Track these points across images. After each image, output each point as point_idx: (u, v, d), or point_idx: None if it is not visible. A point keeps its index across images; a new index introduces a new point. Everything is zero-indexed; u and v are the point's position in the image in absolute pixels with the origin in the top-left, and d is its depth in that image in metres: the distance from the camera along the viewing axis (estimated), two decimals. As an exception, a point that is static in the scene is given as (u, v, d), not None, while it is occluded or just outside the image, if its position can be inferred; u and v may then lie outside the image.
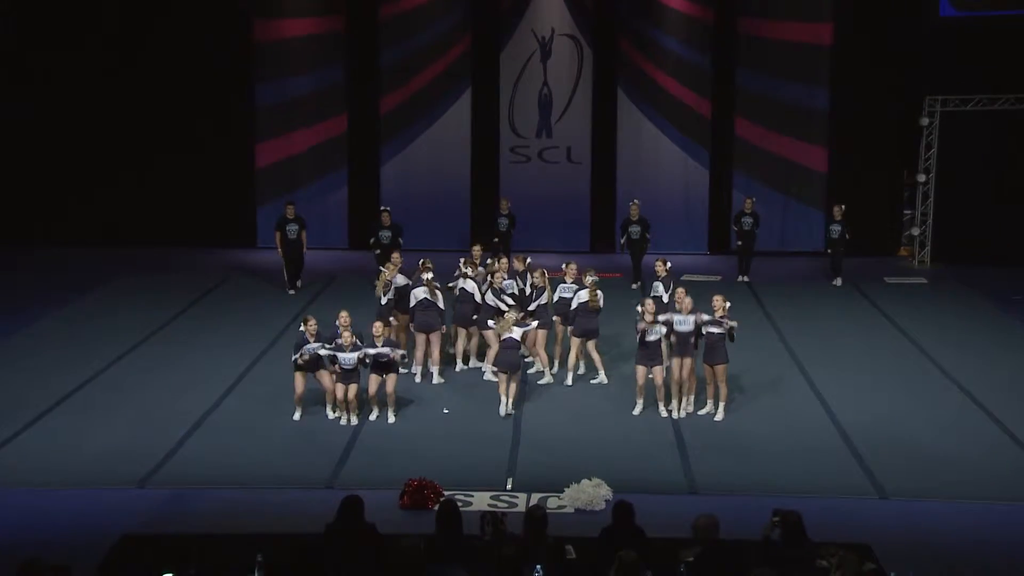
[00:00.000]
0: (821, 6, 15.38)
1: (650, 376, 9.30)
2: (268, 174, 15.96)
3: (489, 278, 10.23)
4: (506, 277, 10.34)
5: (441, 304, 9.99)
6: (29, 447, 8.68)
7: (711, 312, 9.12)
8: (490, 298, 10.11)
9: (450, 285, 10.33)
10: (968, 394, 9.95)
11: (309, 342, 9.01)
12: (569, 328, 10.11)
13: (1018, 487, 8.02)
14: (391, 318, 10.15)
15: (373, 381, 9.12)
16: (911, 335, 11.78)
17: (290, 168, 15.93)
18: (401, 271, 10.42)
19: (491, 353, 10.16)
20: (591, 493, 7.65)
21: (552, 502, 7.63)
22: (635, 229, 13.62)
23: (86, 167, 15.79)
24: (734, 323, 9.05)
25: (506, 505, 7.59)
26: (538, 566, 5.32)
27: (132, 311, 12.45)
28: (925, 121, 15.02)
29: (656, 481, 8.04)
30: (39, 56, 15.59)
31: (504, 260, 10.68)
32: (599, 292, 9.86)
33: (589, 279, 9.97)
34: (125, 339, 11.32)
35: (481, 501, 7.62)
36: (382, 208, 13.50)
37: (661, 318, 9.28)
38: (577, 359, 10.10)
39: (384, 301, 10.19)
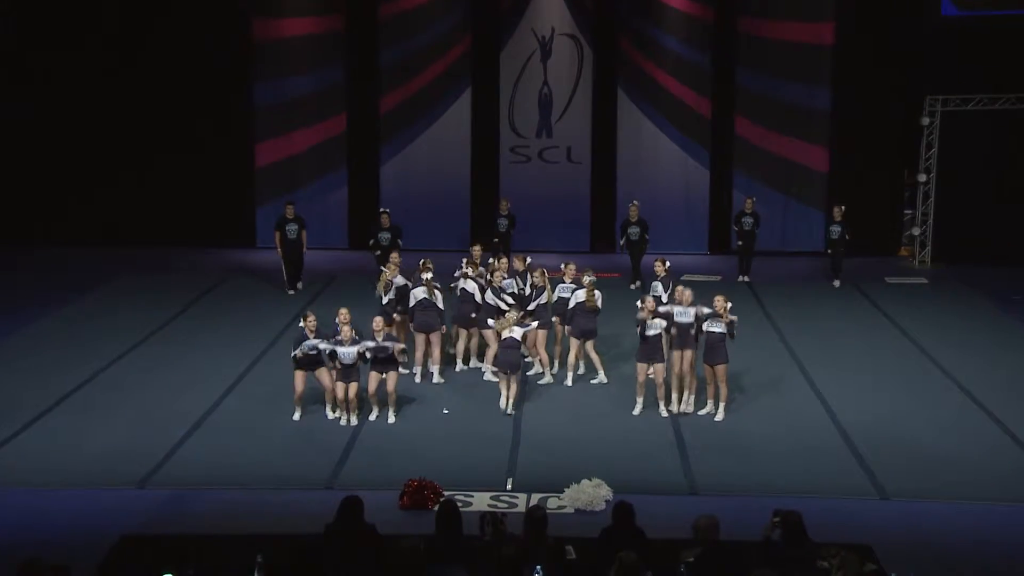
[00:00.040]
0: (822, 6, 15.36)
1: (650, 375, 9.29)
2: (268, 174, 15.95)
3: (489, 277, 10.23)
4: (506, 276, 10.33)
5: (441, 304, 9.98)
6: (29, 447, 8.68)
7: (711, 306, 9.10)
8: (490, 297, 10.10)
9: (452, 286, 10.32)
10: (969, 394, 9.94)
11: (308, 338, 8.99)
12: (567, 328, 10.10)
13: (1019, 488, 8.01)
14: (393, 316, 10.15)
15: (373, 379, 9.12)
16: (912, 335, 11.77)
17: (290, 168, 15.93)
18: (401, 271, 10.41)
19: (490, 353, 10.16)
20: (591, 493, 7.64)
21: (552, 502, 7.62)
22: (634, 230, 13.61)
23: (86, 167, 15.79)
24: (734, 317, 9.05)
25: (506, 505, 7.58)
26: (538, 567, 5.31)
27: (132, 311, 12.44)
28: (926, 121, 15.01)
29: (656, 481, 8.03)
30: (39, 56, 15.59)
31: (504, 260, 10.67)
32: (596, 292, 9.85)
33: (586, 279, 9.97)
34: (125, 339, 11.32)
35: (481, 501, 7.61)
36: (381, 210, 13.50)
37: (661, 310, 9.33)
38: (577, 359, 10.09)
39: (385, 301, 10.18)
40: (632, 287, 13.27)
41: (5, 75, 15.55)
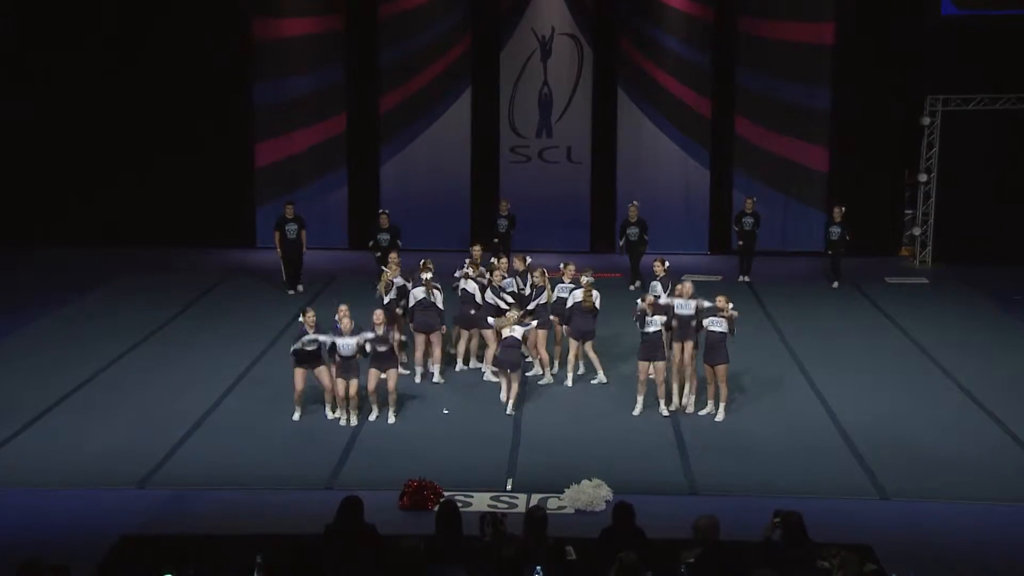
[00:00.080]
0: (822, 5, 15.34)
1: (651, 375, 9.28)
2: (267, 174, 15.94)
3: (488, 276, 10.23)
4: (505, 275, 10.33)
5: (441, 304, 9.97)
6: (28, 447, 8.67)
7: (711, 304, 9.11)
8: (490, 297, 10.10)
9: (454, 286, 10.32)
10: (969, 394, 9.94)
11: (308, 333, 8.98)
12: (565, 328, 10.09)
13: (1019, 488, 8.00)
14: (395, 313, 10.15)
15: (372, 377, 9.12)
16: (912, 335, 11.77)
17: (290, 168, 15.92)
18: (401, 271, 10.41)
19: (489, 353, 10.16)
20: (591, 494, 7.64)
21: (552, 503, 7.61)
22: (633, 231, 13.59)
23: (86, 167, 15.79)
24: (735, 312, 9.05)
25: (506, 506, 7.57)
26: (538, 567, 5.31)
27: (132, 311, 12.44)
28: (926, 121, 15.00)
29: (656, 482, 8.03)
30: (39, 56, 15.58)
31: (504, 260, 10.67)
32: (594, 292, 9.85)
33: (584, 279, 9.96)
34: (125, 339, 11.31)
35: (481, 502, 7.61)
36: (380, 211, 13.49)
37: (662, 302, 9.37)
38: (576, 359, 10.09)
39: (386, 301, 10.18)
40: (631, 288, 13.25)
41: (5, 75, 15.55)
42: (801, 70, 15.37)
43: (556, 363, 10.34)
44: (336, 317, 9.11)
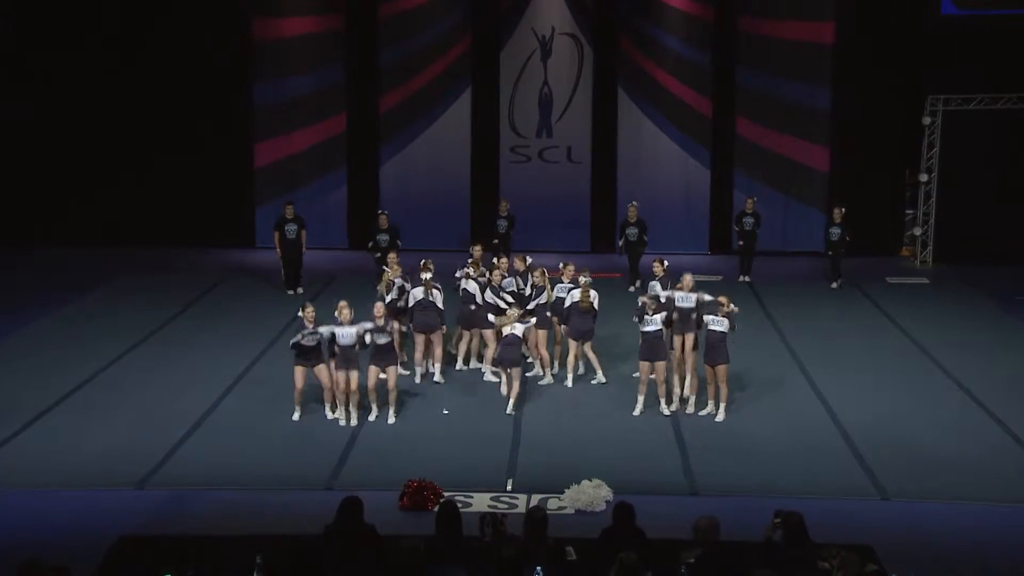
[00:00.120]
0: (822, 5, 15.33)
1: (652, 375, 9.28)
2: (267, 174, 15.93)
3: (488, 275, 10.22)
4: (505, 275, 10.32)
5: (440, 304, 9.96)
6: (28, 447, 8.67)
7: (714, 310, 9.11)
8: (489, 296, 10.10)
9: (455, 286, 10.31)
10: (970, 394, 9.93)
11: (307, 328, 8.96)
12: (564, 328, 10.09)
13: (1020, 488, 7.99)
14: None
15: (372, 374, 9.11)
16: (913, 335, 11.76)
17: (289, 168, 15.91)
18: (402, 272, 10.41)
19: (489, 353, 10.16)
20: (591, 494, 7.63)
21: (552, 503, 7.61)
22: (633, 231, 13.56)
23: (86, 167, 15.78)
24: (735, 307, 9.05)
25: (506, 506, 7.56)
26: (538, 567, 5.30)
27: (132, 311, 12.44)
28: (927, 120, 14.98)
29: (657, 482, 8.02)
30: (39, 56, 15.58)
31: (504, 259, 10.66)
32: (592, 292, 9.84)
33: (582, 279, 9.96)
34: (125, 339, 11.31)
35: (481, 502, 7.60)
36: (379, 211, 13.48)
37: (663, 294, 9.43)
38: (576, 360, 10.08)
39: (387, 301, 10.16)
40: (631, 289, 13.22)
41: (5, 75, 15.54)
42: (801, 70, 15.36)
43: (556, 363, 10.32)
44: (336, 314, 9.11)
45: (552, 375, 10.18)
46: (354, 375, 9.03)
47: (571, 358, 10.04)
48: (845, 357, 10.98)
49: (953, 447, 8.71)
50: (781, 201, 15.70)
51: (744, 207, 14.34)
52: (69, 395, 9.77)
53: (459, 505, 6.21)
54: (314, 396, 9.29)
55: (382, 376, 9.22)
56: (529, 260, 10.66)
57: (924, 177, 15.18)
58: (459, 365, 10.45)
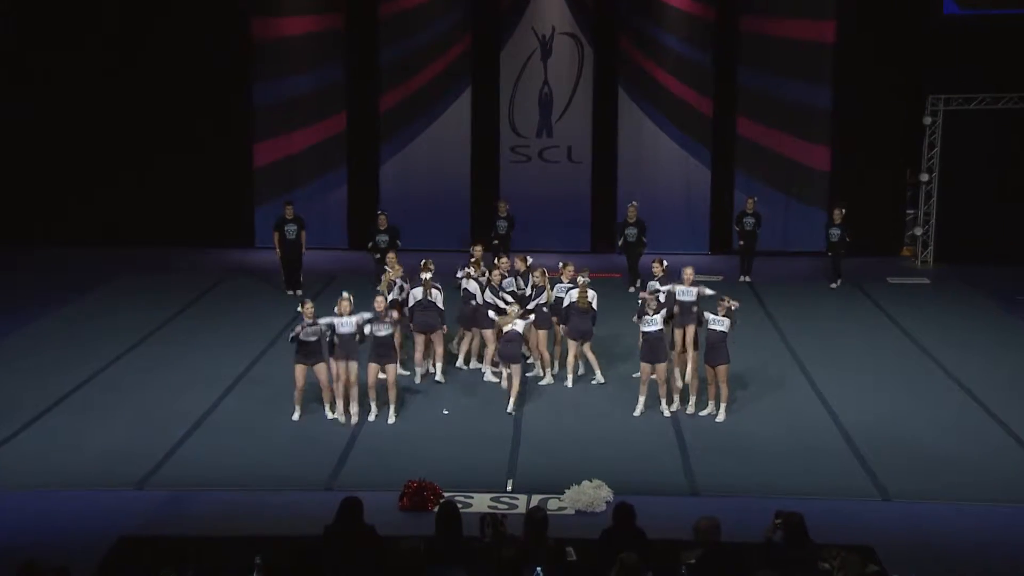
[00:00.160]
0: (823, 4, 15.30)
1: (653, 376, 9.27)
2: (267, 173, 15.91)
3: (488, 275, 10.22)
4: (506, 275, 10.32)
5: (441, 304, 9.95)
6: (28, 448, 8.66)
7: (713, 304, 9.09)
8: (489, 296, 10.09)
9: (456, 286, 10.30)
10: (971, 394, 9.91)
11: (307, 324, 8.94)
12: (564, 328, 10.08)
13: (1021, 489, 7.98)
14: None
15: (372, 371, 9.11)
16: (913, 335, 11.74)
17: (289, 167, 15.89)
18: (403, 272, 10.41)
19: (489, 353, 10.15)
20: (592, 495, 7.62)
21: (553, 504, 7.59)
22: (632, 231, 13.52)
23: (86, 167, 15.77)
24: (735, 303, 9.05)
25: (506, 507, 7.55)
26: (538, 568, 5.29)
27: (132, 311, 12.43)
28: (928, 120, 14.96)
29: (657, 482, 8.01)
30: (39, 56, 15.57)
31: (504, 259, 10.65)
32: (590, 292, 9.83)
33: (580, 279, 9.95)
34: (124, 339, 11.30)
35: (481, 503, 7.59)
36: (379, 211, 13.46)
37: (664, 288, 9.48)
38: (576, 360, 10.07)
39: (389, 300, 10.15)
40: (631, 290, 13.18)
41: (5, 75, 15.53)
42: (802, 69, 15.34)
43: (556, 363, 10.31)
44: (336, 308, 9.12)
45: (552, 375, 10.17)
46: (353, 366, 9.04)
47: (571, 358, 10.03)
48: (846, 357, 10.97)
49: (954, 447, 8.69)
50: (782, 201, 15.67)
51: (745, 207, 14.32)
52: (69, 395, 9.76)
53: (459, 506, 6.21)
54: (314, 396, 9.28)
55: (381, 376, 9.21)
56: (530, 260, 10.65)
57: (925, 177, 15.16)
58: (459, 363, 10.44)
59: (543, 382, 10.13)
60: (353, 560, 5.78)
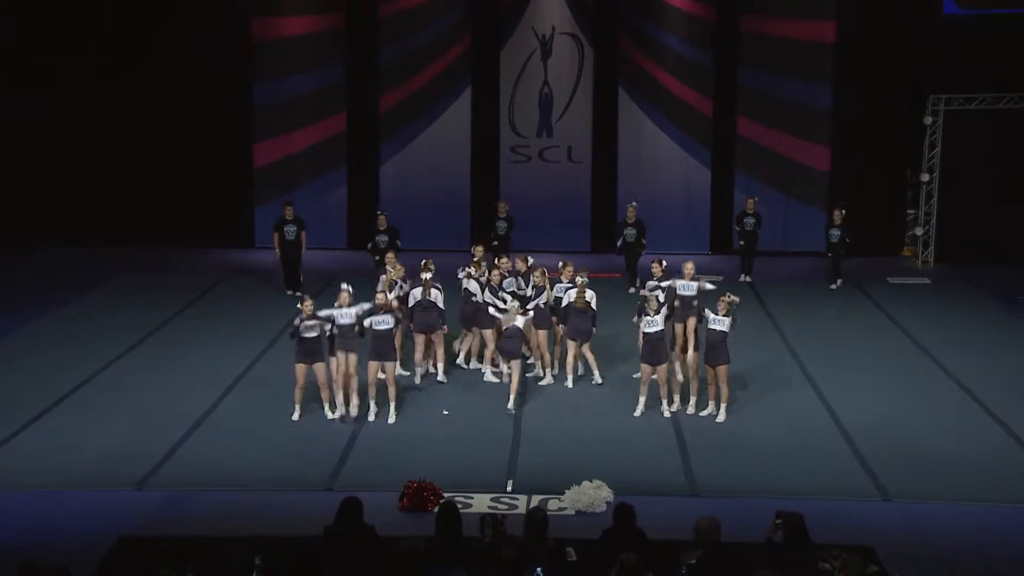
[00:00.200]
0: (824, 4, 15.29)
1: (653, 376, 9.26)
2: (266, 173, 15.90)
3: (487, 275, 10.22)
4: (506, 275, 10.31)
5: (441, 304, 9.95)
6: (28, 448, 8.65)
7: (714, 305, 9.09)
8: (488, 296, 10.08)
9: (460, 285, 10.31)
10: (971, 395, 9.90)
11: (307, 318, 8.95)
12: (563, 328, 10.08)
13: (1021, 489, 7.97)
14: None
15: (372, 369, 9.10)
16: (914, 335, 11.73)
17: (289, 167, 15.88)
18: (405, 271, 10.41)
19: (488, 353, 10.15)
20: (592, 495, 7.61)
21: (553, 504, 7.59)
22: (630, 232, 13.47)
23: (86, 167, 15.76)
24: (736, 297, 9.06)
25: (506, 507, 7.55)
26: (539, 569, 5.28)
27: (132, 311, 12.42)
28: (929, 120, 14.95)
29: (657, 483, 8.00)
30: (39, 56, 15.56)
31: (505, 259, 10.65)
32: (588, 292, 9.82)
33: (578, 279, 9.95)
34: (124, 339, 11.30)
35: (481, 503, 7.58)
36: (378, 212, 13.46)
37: (664, 284, 9.52)
38: (575, 360, 10.06)
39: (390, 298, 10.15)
40: (631, 291, 13.14)
41: (5, 75, 15.52)
42: (802, 69, 15.33)
43: (556, 364, 10.30)
44: (336, 303, 9.15)
45: (552, 376, 10.16)
46: (353, 358, 9.06)
47: (570, 359, 10.02)
48: (846, 357, 10.96)
49: (954, 448, 8.68)
50: (782, 201, 15.66)
51: (745, 207, 14.31)
52: (69, 395, 9.75)
53: (459, 506, 6.20)
54: (314, 396, 9.27)
55: (381, 376, 9.21)
56: (531, 260, 10.64)
57: (925, 177, 15.15)
58: (460, 360, 10.45)
59: (543, 382, 10.12)
60: (353, 561, 5.77)
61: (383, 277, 10.31)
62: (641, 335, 9.31)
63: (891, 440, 8.81)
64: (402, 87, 15.72)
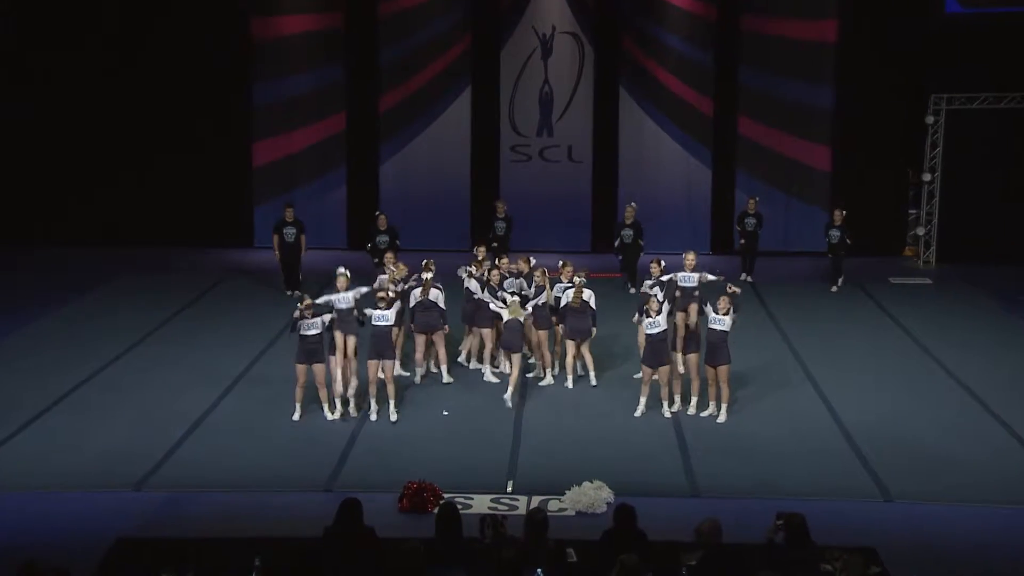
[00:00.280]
0: (825, 3, 15.26)
1: (655, 377, 9.24)
2: (266, 173, 15.89)
3: (486, 275, 10.20)
4: (506, 276, 10.30)
5: (442, 304, 9.93)
6: (27, 448, 8.64)
7: (715, 306, 9.07)
8: (487, 296, 10.06)
9: (463, 285, 10.31)
10: (973, 395, 9.88)
11: (307, 317, 8.93)
12: (562, 328, 10.06)
13: (1022, 490, 7.93)
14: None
15: (372, 368, 9.10)
16: (915, 335, 11.70)
17: (288, 167, 15.86)
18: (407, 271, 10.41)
19: (487, 353, 10.16)
20: (592, 496, 7.59)
21: (553, 505, 7.56)
22: (628, 232, 13.41)
23: (86, 167, 15.75)
24: (737, 289, 9.03)
25: (506, 508, 7.52)
26: (539, 569, 5.27)
27: (132, 311, 12.41)
28: (930, 119, 14.92)
29: (658, 483, 7.98)
30: (39, 56, 15.55)
31: (506, 260, 10.63)
32: (585, 291, 9.80)
33: (576, 279, 9.93)
34: (124, 339, 11.28)
35: (481, 504, 7.56)
36: (378, 212, 13.43)
37: (664, 278, 9.52)
38: (575, 360, 10.04)
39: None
40: (632, 291, 13.09)
41: (5, 75, 15.51)
42: (804, 68, 15.30)
43: (556, 364, 10.28)
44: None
45: (553, 376, 10.14)
46: (352, 340, 9.12)
47: (569, 359, 10.00)
48: (847, 357, 10.93)
49: (956, 448, 8.66)
50: (783, 201, 15.63)
51: (746, 207, 14.29)
52: (69, 395, 9.74)
53: (459, 507, 6.19)
54: (315, 396, 9.25)
55: (381, 375, 9.19)
56: (533, 261, 10.61)
57: (927, 177, 15.12)
58: (461, 359, 10.44)
59: (544, 383, 10.10)
60: (353, 562, 5.76)
61: (381, 277, 10.29)
62: (643, 336, 9.29)
63: (893, 440, 8.78)
64: (402, 87, 15.70)
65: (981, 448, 8.68)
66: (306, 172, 15.88)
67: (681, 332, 9.41)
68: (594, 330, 9.94)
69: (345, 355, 9.14)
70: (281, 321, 11.66)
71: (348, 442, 8.77)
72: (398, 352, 9.79)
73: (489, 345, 10.12)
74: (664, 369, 9.19)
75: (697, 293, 9.56)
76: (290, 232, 13.10)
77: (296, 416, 9.17)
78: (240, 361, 10.62)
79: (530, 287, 10.33)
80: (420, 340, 10.05)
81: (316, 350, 9.05)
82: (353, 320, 9.16)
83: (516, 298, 9.67)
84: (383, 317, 9.08)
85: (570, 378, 10.03)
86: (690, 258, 9.82)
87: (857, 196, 14.57)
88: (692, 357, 9.37)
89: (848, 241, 13.64)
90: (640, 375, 9.51)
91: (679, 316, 9.51)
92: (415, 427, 9.10)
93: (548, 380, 10.11)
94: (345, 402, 9.25)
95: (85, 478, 8.04)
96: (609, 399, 9.73)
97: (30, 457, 8.44)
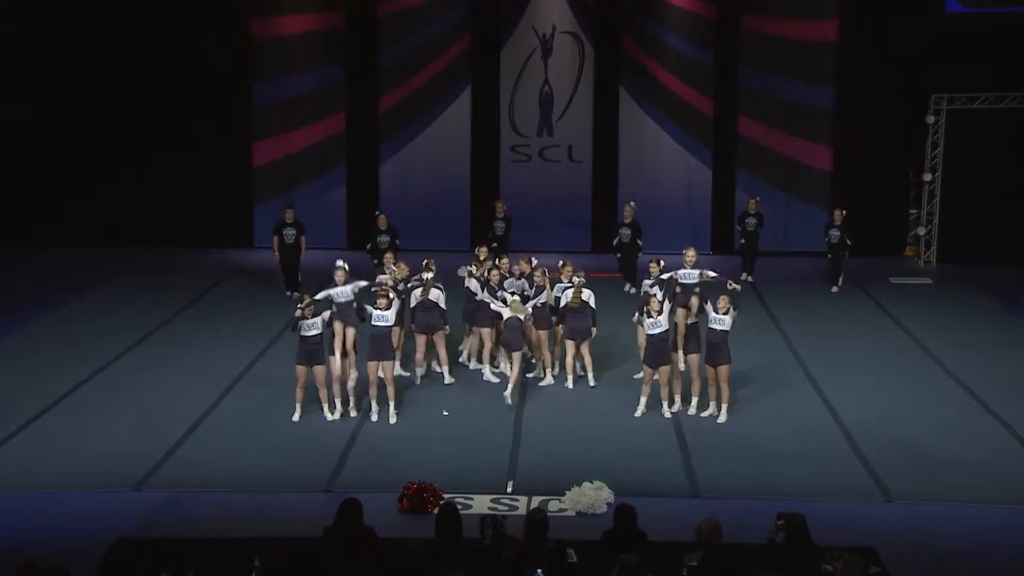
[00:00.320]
0: (825, 3, 15.25)
1: (655, 378, 9.23)
2: (266, 173, 15.88)
3: (486, 275, 10.20)
4: (506, 276, 10.29)
5: (443, 304, 9.93)
6: (27, 448, 8.63)
7: (715, 306, 9.06)
8: (486, 295, 10.07)
9: (464, 285, 10.31)
10: (973, 395, 9.87)
11: (307, 317, 8.93)
12: (561, 328, 10.06)
13: (1023, 490, 7.93)
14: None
15: (372, 369, 9.10)
16: (916, 335, 11.70)
17: (288, 167, 15.86)
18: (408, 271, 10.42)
19: (487, 353, 10.15)
20: (592, 496, 7.59)
21: (553, 505, 7.56)
22: (626, 232, 13.38)
23: (86, 167, 15.75)
24: (737, 286, 9.01)
25: (506, 508, 7.52)
26: (539, 570, 5.26)
27: (132, 311, 12.41)
28: (931, 119, 14.92)
29: (658, 484, 7.97)
30: (39, 56, 15.55)
31: (506, 260, 10.63)
32: (584, 291, 9.80)
33: (575, 279, 9.93)
34: (124, 339, 11.28)
35: (481, 504, 7.56)
36: (378, 212, 13.42)
37: (664, 276, 9.54)
38: (575, 361, 10.03)
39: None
40: (632, 291, 13.07)
41: (5, 75, 15.51)
42: (804, 68, 15.29)
43: (556, 364, 10.28)
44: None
45: (553, 376, 10.14)
46: (351, 332, 9.14)
47: (569, 359, 10.00)
48: (848, 357, 10.93)
49: (956, 448, 8.65)
50: (783, 201, 15.63)
51: (747, 207, 14.28)
52: (68, 395, 9.74)
53: (459, 507, 6.18)
54: (315, 396, 9.25)
55: (380, 376, 9.19)
56: (535, 261, 10.61)
57: (928, 176, 15.11)
58: (463, 359, 10.44)
59: (544, 383, 10.09)
60: (353, 562, 5.75)
61: (380, 277, 10.29)
62: (644, 336, 9.28)
63: (893, 441, 8.78)
64: (402, 87, 15.69)
65: (981, 448, 8.68)
66: (306, 172, 15.87)
67: (682, 330, 9.39)
68: (594, 330, 9.94)
69: (344, 346, 9.12)
70: (281, 321, 11.66)
71: (348, 442, 8.77)
72: (398, 352, 9.78)
73: (488, 345, 10.11)
74: (665, 369, 9.18)
75: (698, 290, 9.54)
76: (290, 233, 13.09)
77: (296, 417, 9.16)
78: (240, 361, 10.62)
79: (531, 288, 10.33)
80: (421, 340, 10.04)
81: (316, 351, 9.04)
82: (352, 312, 9.19)
83: (516, 297, 9.67)
84: (382, 318, 9.08)
85: (570, 378, 10.03)
86: (690, 255, 9.82)
87: (857, 196, 14.56)
88: (693, 357, 9.35)
89: (848, 241, 13.62)
90: (640, 375, 9.51)
91: (680, 312, 9.49)
92: (415, 427, 9.10)
93: (548, 380, 10.11)
94: (345, 400, 9.23)
95: (85, 478, 8.04)
96: (609, 399, 9.72)
97: (30, 457, 8.44)
